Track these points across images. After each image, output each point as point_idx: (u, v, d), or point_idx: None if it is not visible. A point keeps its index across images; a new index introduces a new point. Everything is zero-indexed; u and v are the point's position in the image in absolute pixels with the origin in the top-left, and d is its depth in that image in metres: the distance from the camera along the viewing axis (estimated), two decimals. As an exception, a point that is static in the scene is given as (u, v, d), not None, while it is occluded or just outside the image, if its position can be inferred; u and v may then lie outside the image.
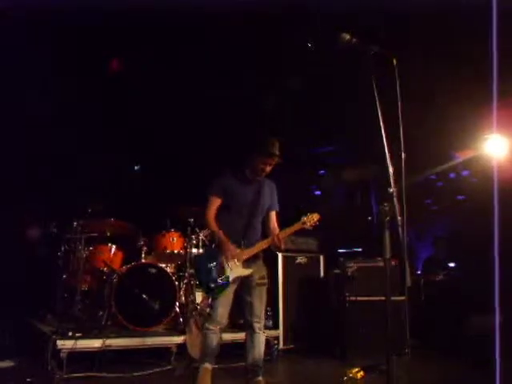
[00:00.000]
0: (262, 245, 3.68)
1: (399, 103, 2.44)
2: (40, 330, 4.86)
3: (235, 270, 3.59)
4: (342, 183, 8.31)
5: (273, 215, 3.89)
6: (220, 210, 3.78)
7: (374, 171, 7.70)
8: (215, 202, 3.77)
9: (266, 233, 3.83)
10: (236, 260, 3.60)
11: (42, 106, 5.85)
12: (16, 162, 6.04)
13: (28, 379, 3.84)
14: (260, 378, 3.61)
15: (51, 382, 3.84)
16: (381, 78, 2.46)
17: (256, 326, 3.61)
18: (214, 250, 3.75)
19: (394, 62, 2.45)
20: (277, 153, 3.68)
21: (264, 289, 3.70)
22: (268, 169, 3.72)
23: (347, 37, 2.47)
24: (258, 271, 3.69)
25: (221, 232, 3.67)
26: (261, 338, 3.63)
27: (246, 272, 3.62)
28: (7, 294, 5.20)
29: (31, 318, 5.34)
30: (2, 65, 5.24)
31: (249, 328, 3.65)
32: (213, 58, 5.69)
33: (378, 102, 2.51)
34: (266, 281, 3.72)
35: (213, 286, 3.56)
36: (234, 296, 3.67)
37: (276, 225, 3.85)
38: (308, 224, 3.66)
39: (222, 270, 3.58)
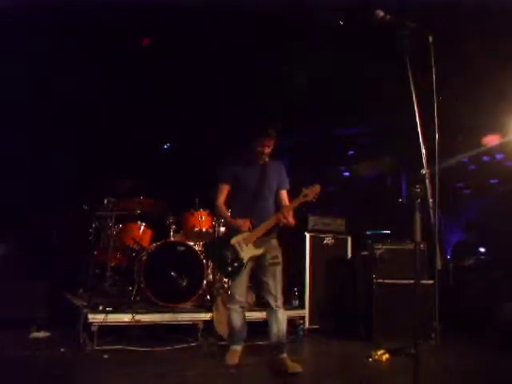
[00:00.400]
0: (269, 224, 3.73)
1: (434, 82, 2.37)
2: (72, 303, 5.00)
3: (247, 251, 3.71)
4: (372, 167, 8.21)
5: (283, 194, 3.94)
6: (230, 195, 3.92)
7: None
8: (224, 189, 3.92)
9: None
10: (247, 242, 3.71)
11: (70, 82, 5.95)
12: (46, 139, 6.17)
13: (61, 349, 3.99)
14: (284, 355, 3.70)
15: (83, 353, 3.97)
16: (415, 56, 2.39)
17: (273, 303, 3.71)
18: (226, 236, 3.89)
19: (430, 39, 2.37)
20: (273, 134, 3.75)
21: (277, 268, 3.77)
22: (266, 150, 3.81)
23: (381, 14, 2.40)
24: (270, 251, 3.77)
25: (228, 216, 3.85)
26: (279, 315, 3.71)
27: (258, 251, 3.72)
28: (42, 270, 5.37)
29: (65, 291, 5.50)
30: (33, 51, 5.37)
31: (267, 306, 3.77)
32: (241, 36, 5.63)
33: (411, 82, 2.44)
34: (278, 260, 3.79)
35: (230, 269, 3.73)
36: (251, 276, 3.83)
37: (287, 202, 3.88)
38: (310, 196, 3.65)
39: (235, 254, 3.72)
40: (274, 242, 3.85)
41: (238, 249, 3.72)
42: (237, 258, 3.71)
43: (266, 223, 3.73)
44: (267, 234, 3.77)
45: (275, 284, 3.73)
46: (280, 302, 3.75)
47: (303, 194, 3.66)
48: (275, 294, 3.72)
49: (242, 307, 3.85)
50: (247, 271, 3.77)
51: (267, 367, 3.76)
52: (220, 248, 3.82)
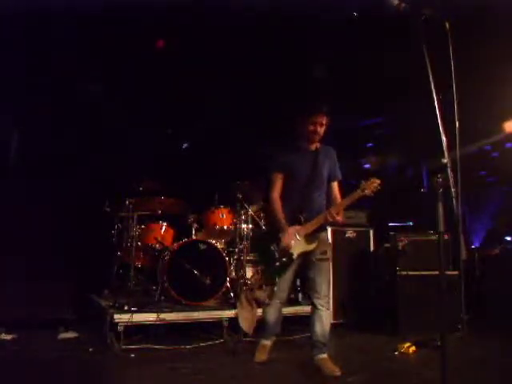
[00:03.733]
0: (318, 221, 3.54)
1: (452, 70, 2.33)
2: (98, 304, 5.07)
3: (298, 245, 3.56)
4: (392, 157, 8.13)
5: (334, 186, 3.76)
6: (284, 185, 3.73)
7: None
8: (278, 179, 3.71)
9: (330, 204, 3.69)
10: (298, 236, 3.55)
11: (93, 83, 6.04)
12: (67, 138, 6.25)
13: (90, 349, 4.06)
14: (324, 356, 3.58)
15: (110, 352, 4.02)
16: (432, 44, 2.35)
17: (317, 302, 3.57)
18: (274, 230, 3.69)
19: (447, 26, 2.32)
20: (324, 108, 3.55)
21: (325, 264, 3.63)
22: (319, 129, 3.59)
23: (395, 1, 2.36)
24: (320, 246, 3.61)
25: (280, 214, 3.63)
26: (322, 314, 3.57)
27: (310, 247, 3.57)
28: (68, 271, 5.46)
29: (90, 292, 5.58)
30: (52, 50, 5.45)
31: (312, 304, 3.64)
32: (261, 30, 5.62)
33: (429, 70, 2.40)
34: (327, 256, 3.64)
35: (278, 264, 3.57)
36: (298, 271, 3.68)
37: (338, 195, 3.71)
38: (368, 191, 3.37)
39: (284, 249, 3.56)
40: (324, 235, 3.69)
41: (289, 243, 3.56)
42: (286, 253, 3.55)
43: (316, 220, 3.53)
44: (319, 228, 3.59)
45: (322, 281, 3.57)
46: (324, 300, 3.58)
47: (361, 189, 3.39)
48: (320, 291, 3.56)
49: (282, 303, 3.77)
50: (294, 266, 3.62)
51: (296, 364, 3.77)
52: (267, 242, 3.67)
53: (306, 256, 3.61)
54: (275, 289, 3.68)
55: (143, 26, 5.44)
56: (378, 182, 3.39)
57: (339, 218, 3.51)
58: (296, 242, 3.54)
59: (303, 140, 3.70)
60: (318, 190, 3.65)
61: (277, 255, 3.58)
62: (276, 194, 3.71)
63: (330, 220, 3.48)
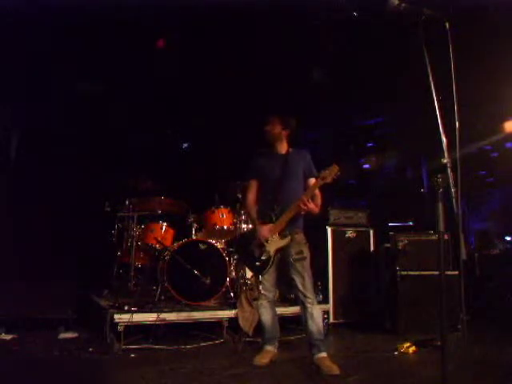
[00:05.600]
0: (290, 213, 3.64)
1: (452, 70, 2.33)
2: (98, 304, 5.07)
3: (273, 242, 3.69)
4: (392, 157, 8.13)
5: (310, 182, 3.82)
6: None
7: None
8: (252, 185, 3.94)
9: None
10: (271, 234, 3.68)
11: (93, 83, 6.05)
12: (67, 139, 6.26)
13: (90, 349, 4.06)
14: (323, 355, 3.61)
15: (111, 352, 4.02)
16: (433, 43, 2.35)
17: (303, 300, 3.64)
18: (252, 231, 3.89)
19: (447, 25, 2.32)
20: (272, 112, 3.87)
21: (303, 263, 3.67)
22: (267, 128, 3.86)
23: (396, 1, 2.36)
24: (295, 246, 3.69)
25: (253, 216, 3.85)
26: (312, 311, 3.63)
27: (284, 241, 3.67)
28: (69, 270, 5.47)
29: (91, 292, 5.58)
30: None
31: (299, 303, 3.71)
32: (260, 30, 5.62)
33: (429, 70, 2.40)
34: (303, 255, 3.68)
35: (258, 264, 3.72)
36: (280, 270, 3.77)
37: (317, 191, 3.74)
38: (329, 178, 3.51)
39: (262, 247, 3.70)
40: (299, 236, 3.74)
41: (264, 242, 3.69)
42: (263, 251, 3.68)
43: (287, 213, 3.64)
44: (292, 225, 3.69)
45: (302, 280, 3.63)
46: (310, 298, 3.64)
47: (321, 177, 3.55)
48: (303, 290, 3.63)
49: (270, 301, 3.82)
50: (275, 265, 3.73)
51: (296, 363, 3.76)
52: (247, 244, 3.80)
53: (283, 255, 3.71)
54: (261, 289, 3.82)
55: (143, 26, 5.43)
56: (337, 168, 3.52)
57: (312, 206, 3.61)
58: (270, 239, 3.69)
59: (272, 145, 3.91)
60: (292, 189, 3.74)
61: (256, 255, 3.72)
62: (250, 198, 3.93)
63: (303, 207, 3.57)
